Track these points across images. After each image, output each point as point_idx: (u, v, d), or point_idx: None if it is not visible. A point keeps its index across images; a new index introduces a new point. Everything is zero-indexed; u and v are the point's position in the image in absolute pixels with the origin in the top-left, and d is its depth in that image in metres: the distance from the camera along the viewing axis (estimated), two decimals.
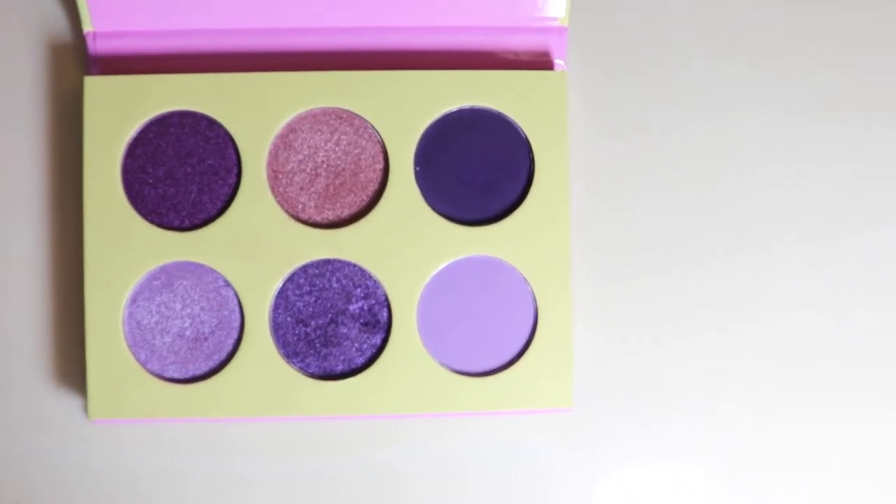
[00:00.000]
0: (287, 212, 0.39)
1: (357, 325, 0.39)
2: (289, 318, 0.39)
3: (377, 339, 0.39)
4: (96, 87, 0.38)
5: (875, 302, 0.41)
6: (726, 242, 0.41)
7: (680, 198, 0.41)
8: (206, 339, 0.39)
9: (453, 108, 0.40)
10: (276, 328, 0.39)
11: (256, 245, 0.39)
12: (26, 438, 0.40)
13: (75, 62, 0.40)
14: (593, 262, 0.41)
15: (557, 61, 0.40)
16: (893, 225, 0.41)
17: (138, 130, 0.39)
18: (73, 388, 0.40)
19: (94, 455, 0.40)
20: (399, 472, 0.40)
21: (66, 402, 0.40)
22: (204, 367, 0.39)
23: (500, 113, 0.40)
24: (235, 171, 0.39)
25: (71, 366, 0.40)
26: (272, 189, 0.39)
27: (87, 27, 0.39)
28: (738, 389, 0.41)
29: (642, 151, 0.41)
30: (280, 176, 0.39)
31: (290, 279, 0.39)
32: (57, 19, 0.40)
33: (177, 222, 0.39)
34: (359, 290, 0.39)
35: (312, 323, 0.39)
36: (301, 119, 0.39)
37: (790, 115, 0.41)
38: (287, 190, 0.39)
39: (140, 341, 0.39)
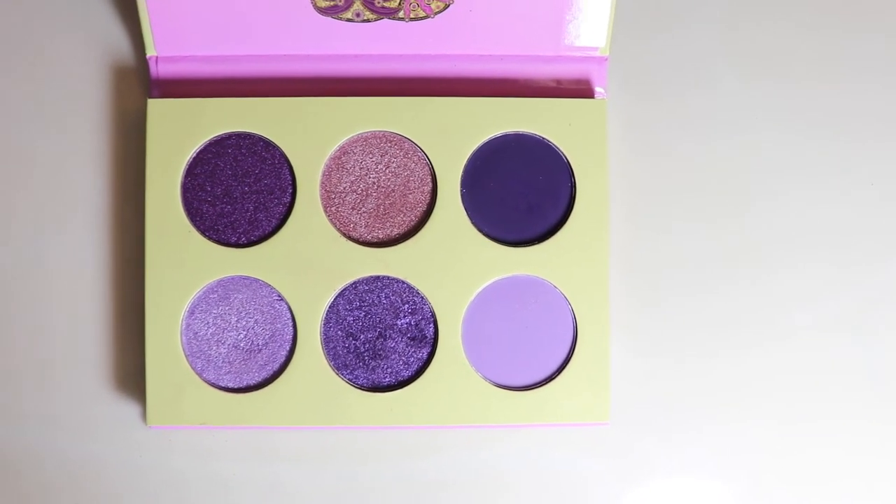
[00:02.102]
0: (339, 230, 0.41)
1: (404, 339, 0.40)
2: (339, 332, 0.40)
3: (423, 353, 0.40)
4: (159, 109, 0.40)
5: None
6: (759, 263, 0.42)
7: (714, 219, 0.42)
8: (259, 350, 0.40)
9: (498, 133, 0.41)
10: (327, 341, 0.40)
11: (309, 261, 0.40)
12: (86, 443, 0.41)
13: (138, 84, 0.42)
14: (630, 283, 0.42)
15: (598, 89, 0.41)
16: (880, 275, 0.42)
17: (198, 151, 0.41)
18: (132, 396, 0.41)
19: (149, 460, 0.41)
20: (442, 482, 0.41)
21: (125, 409, 0.41)
22: (257, 378, 0.40)
23: (542, 138, 0.41)
24: (290, 190, 0.41)
25: (130, 374, 0.41)
26: (325, 208, 0.40)
27: (150, 52, 0.41)
28: (769, 407, 0.42)
29: (679, 176, 0.42)
30: (333, 196, 0.41)
31: (341, 294, 0.40)
32: (121, 44, 0.42)
33: (233, 239, 0.40)
34: (406, 306, 0.40)
35: (362, 337, 0.40)
36: (353, 142, 0.41)
37: (821, 138, 0.42)
38: (339, 209, 0.41)
39: (197, 351, 0.40)
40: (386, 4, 0.39)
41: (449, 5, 0.39)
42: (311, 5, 0.39)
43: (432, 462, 0.41)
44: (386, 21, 0.39)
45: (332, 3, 0.39)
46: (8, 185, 0.41)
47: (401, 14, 0.40)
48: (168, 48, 0.40)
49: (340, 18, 0.40)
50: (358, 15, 0.39)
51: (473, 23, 0.40)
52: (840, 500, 0.42)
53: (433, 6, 0.39)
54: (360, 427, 0.40)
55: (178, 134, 0.40)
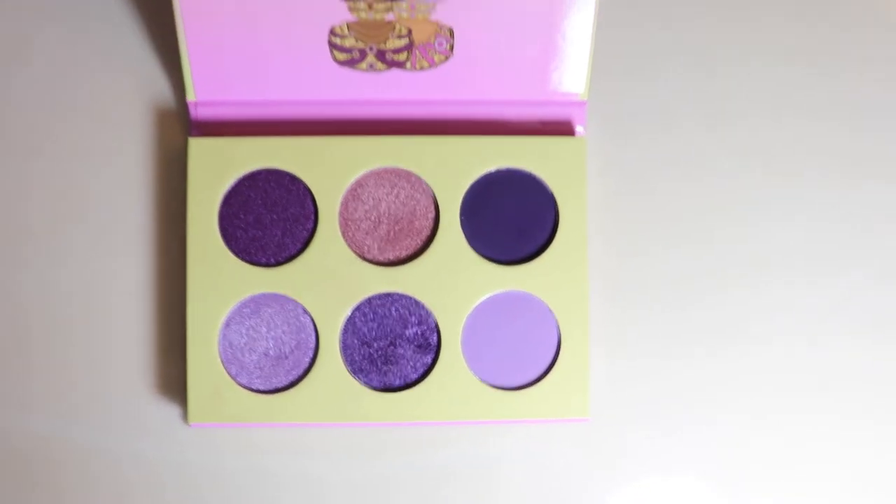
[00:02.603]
0: (355, 252, 0.44)
1: (412, 346, 0.44)
2: (355, 340, 0.43)
3: (428, 359, 0.44)
4: (199, 148, 0.43)
5: (854, 329, 0.45)
6: (723, 279, 0.45)
7: (681, 245, 0.45)
8: (286, 357, 0.43)
9: (492, 168, 0.44)
10: (345, 349, 0.43)
11: (330, 280, 0.43)
12: (131, 441, 0.44)
13: (179, 125, 0.45)
14: (607, 297, 0.45)
15: (578, 128, 0.45)
16: (858, 269, 0.45)
17: (233, 184, 0.43)
18: (173, 398, 0.44)
19: (189, 455, 0.44)
20: (446, 470, 0.44)
21: (167, 409, 0.44)
22: (285, 381, 0.43)
23: (530, 172, 0.44)
24: (313, 218, 0.44)
25: (171, 379, 0.44)
26: (343, 234, 0.44)
27: (191, 97, 0.44)
28: (735, 405, 0.45)
29: (649, 205, 0.45)
30: (349, 223, 0.44)
31: (357, 308, 0.43)
32: (165, 90, 0.45)
33: (263, 260, 0.43)
34: (413, 317, 0.44)
35: (375, 345, 0.43)
36: (367, 176, 0.44)
37: (775, 175, 0.45)
38: (355, 235, 0.44)
39: (232, 358, 0.43)
40: (395, 57, 0.43)
41: (449, 58, 0.43)
42: (330, 58, 0.43)
43: (438, 453, 0.44)
44: (395, 71, 0.43)
45: (349, 57, 0.43)
46: (65, 213, 0.44)
47: (408, 65, 0.43)
48: (206, 94, 0.44)
49: (356, 69, 0.43)
50: (371, 66, 0.43)
51: (470, 72, 0.44)
52: (809, 492, 0.45)
53: (435, 59, 0.43)
54: (374, 423, 0.43)
55: (215, 169, 0.43)
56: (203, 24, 0.42)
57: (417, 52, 0.43)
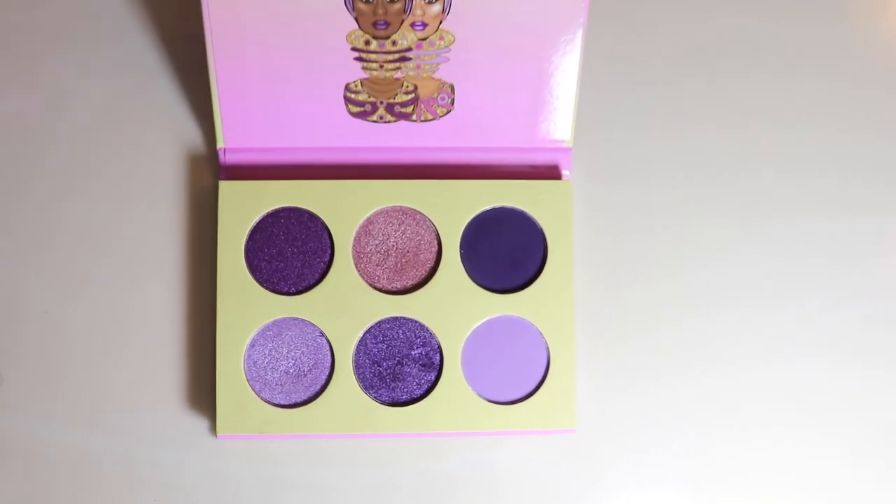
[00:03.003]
0: (366, 282, 0.46)
1: (417, 365, 0.46)
2: (367, 360, 0.46)
3: (432, 376, 0.46)
4: (228, 190, 0.46)
5: (821, 350, 0.48)
6: (693, 307, 0.48)
7: (656, 274, 0.48)
8: (305, 375, 0.46)
9: (488, 207, 0.47)
10: (357, 367, 0.46)
11: (344, 306, 0.46)
12: (163, 450, 0.46)
13: (209, 169, 0.48)
14: (591, 321, 0.48)
15: (564, 172, 0.48)
16: (817, 297, 0.49)
17: (257, 221, 0.47)
18: (201, 412, 0.47)
19: (216, 464, 0.46)
20: (449, 477, 0.47)
21: (197, 422, 0.47)
22: (304, 396, 0.46)
23: (522, 211, 0.47)
24: (329, 251, 0.47)
25: (202, 395, 0.47)
26: (356, 265, 0.47)
27: (220, 144, 0.47)
28: (709, 422, 0.47)
29: (628, 240, 0.49)
30: (362, 256, 0.47)
31: (368, 331, 0.46)
32: (196, 138, 0.49)
33: (285, 289, 0.46)
34: (418, 339, 0.46)
35: (384, 364, 0.46)
36: (377, 214, 0.47)
37: (743, 217, 0.49)
38: (367, 266, 0.47)
39: (256, 376, 0.46)
40: (402, 110, 0.47)
41: (450, 111, 0.47)
42: (345, 111, 0.47)
43: (441, 461, 0.46)
44: (402, 122, 0.47)
45: (361, 109, 0.47)
46: (108, 246, 0.47)
47: (414, 117, 0.47)
48: (234, 141, 0.47)
49: (368, 120, 0.47)
50: (381, 118, 0.47)
51: (469, 123, 0.47)
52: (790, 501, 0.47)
53: (438, 111, 0.47)
54: (384, 434, 0.46)
55: (242, 208, 0.46)
56: (233, 80, 0.46)
57: (422, 105, 0.47)
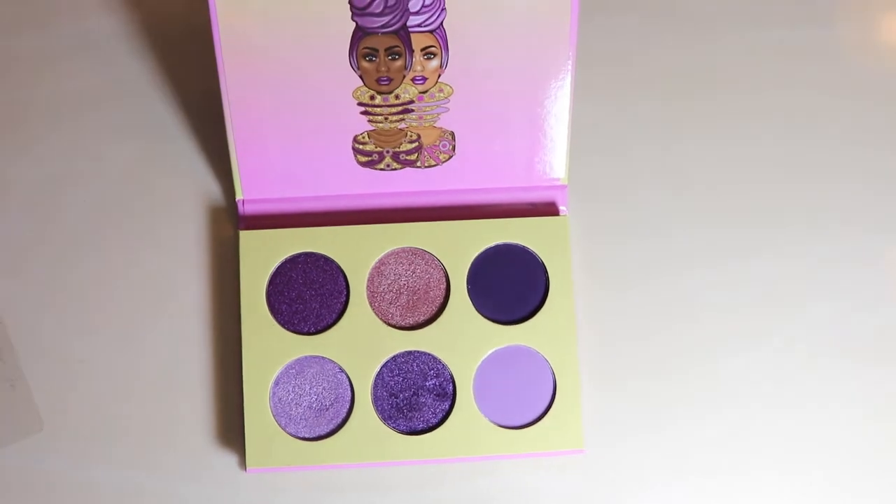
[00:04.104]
0: (381, 319, 0.48)
1: (431, 396, 0.48)
2: (384, 392, 0.48)
3: (446, 405, 0.48)
4: (248, 239, 0.48)
5: (829, 353, 0.49)
6: (689, 328, 0.50)
7: (654, 300, 0.50)
8: (327, 409, 0.48)
9: (491, 244, 0.49)
10: (376, 400, 0.48)
11: (361, 343, 0.48)
12: (196, 485, 0.48)
13: (229, 220, 0.50)
14: (594, 347, 0.49)
15: (561, 208, 0.50)
16: (819, 310, 0.50)
17: (277, 266, 0.48)
18: (231, 448, 0.48)
19: (246, 497, 0.48)
20: (466, 500, 0.48)
21: (226, 457, 0.48)
22: (326, 429, 0.47)
23: (523, 246, 0.49)
24: (345, 292, 0.48)
25: (230, 432, 0.48)
26: (370, 304, 0.48)
27: (239, 196, 0.49)
28: (707, 433, 0.48)
29: (624, 267, 0.50)
30: (375, 295, 0.49)
31: (384, 365, 0.48)
32: (216, 192, 0.51)
33: (305, 329, 0.48)
34: (432, 371, 0.48)
35: (401, 395, 0.48)
36: (389, 255, 0.49)
37: (724, 228, 0.50)
38: (380, 304, 0.49)
39: (281, 412, 0.47)
40: (407, 158, 0.49)
41: (452, 156, 0.49)
42: (354, 161, 0.49)
43: (458, 485, 0.48)
44: (408, 169, 0.50)
45: (369, 159, 0.49)
46: (138, 293, 0.49)
47: (418, 164, 0.49)
48: (252, 193, 0.49)
49: (376, 169, 0.49)
50: (388, 166, 0.49)
51: (470, 166, 0.49)
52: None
53: (441, 157, 0.49)
54: (403, 462, 0.47)
55: (262, 255, 0.48)
56: (249, 135, 0.48)
57: (426, 152, 0.49)
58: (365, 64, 0.47)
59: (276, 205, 0.50)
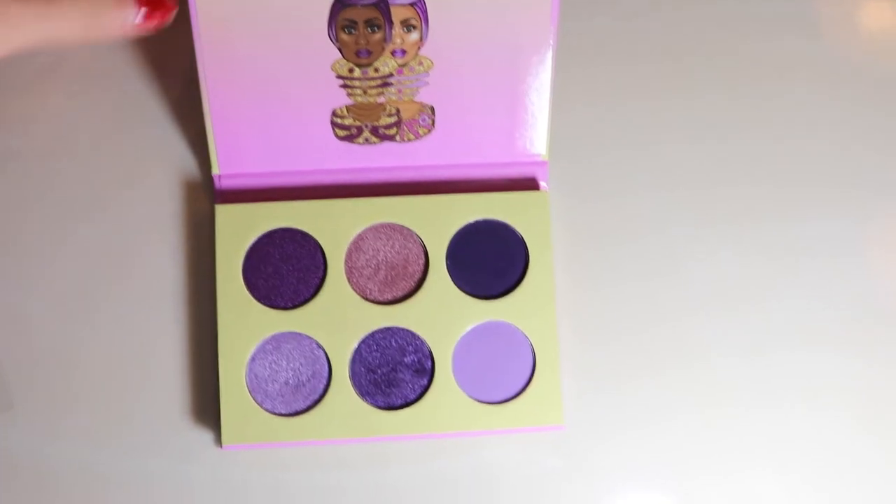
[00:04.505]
0: (359, 295, 0.48)
1: (410, 371, 0.48)
2: (362, 368, 0.47)
3: (424, 381, 0.47)
4: (224, 213, 0.48)
5: (791, 344, 0.49)
6: (668, 306, 0.50)
7: (633, 276, 0.50)
8: (304, 385, 0.47)
9: (471, 219, 0.48)
10: (353, 375, 0.47)
11: (338, 319, 0.47)
12: (171, 463, 0.48)
13: (205, 194, 0.50)
14: (573, 323, 0.49)
15: (542, 184, 0.50)
16: (792, 294, 0.50)
17: (254, 241, 0.48)
18: (207, 425, 0.48)
19: (222, 474, 0.47)
20: (444, 475, 0.48)
21: (202, 435, 0.48)
22: (303, 405, 0.47)
23: (503, 221, 0.49)
24: (322, 268, 0.48)
25: (205, 409, 0.48)
26: (348, 279, 0.48)
27: (215, 171, 0.49)
28: (685, 417, 0.49)
29: (603, 244, 0.50)
30: (353, 270, 0.48)
31: (362, 341, 0.47)
32: (193, 167, 0.50)
33: (282, 304, 0.48)
34: (410, 347, 0.48)
35: (379, 371, 0.47)
36: (367, 230, 0.48)
37: (708, 222, 0.50)
38: (358, 280, 0.48)
39: (257, 388, 0.47)
40: (386, 132, 0.49)
41: (431, 131, 0.49)
42: (333, 135, 0.49)
43: (436, 461, 0.48)
44: (386, 143, 0.49)
45: (347, 133, 0.49)
46: (113, 268, 0.49)
47: (397, 138, 0.49)
48: (228, 168, 0.49)
49: (354, 143, 0.49)
50: (367, 140, 0.49)
51: (449, 141, 0.49)
52: (770, 490, 0.48)
53: (420, 132, 0.49)
54: (381, 438, 0.47)
55: (239, 230, 0.48)
56: (225, 109, 0.48)
57: (405, 127, 0.49)
58: (344, 36, 0.47)
59: (252, 179, 0.50)
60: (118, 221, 0.50)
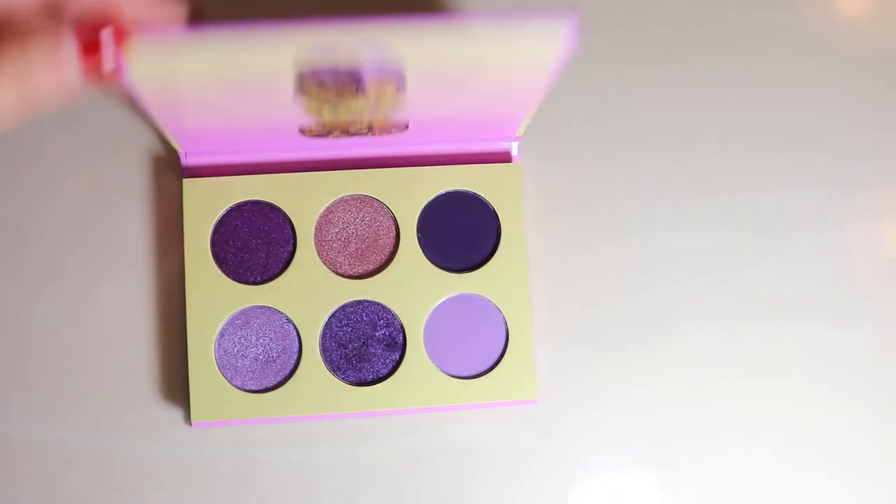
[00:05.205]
0: (329, 268, 0.48)
1: (381, 346, 0.48)
2: (333, 343, 0.48)
3: (396, 356, 0.48)
4: (192, 186, 0.47)
5: (761, 315, 0.49)
6: (640, 278, 0.50)
7: (604, 248, 0.50)
8: (274, 360, 0.48)
9: (443, 191, 0.48)
10: (324, 350, 0.47)
11: (308, 293, 0.47)
12: (139, 441, 0.47)
13: (173, 169, 0.50)
14: (546, 296, 0.50)
15: (514, 155, 0.49)
16: (758, 267, 0.51)
17: (222, 215, 0.48)
18: (175, 402, 0.48)
19: (192, 452, 0.47)
20: (417, 450, 0.48)
21: (170, 412, 0.48)
22: (273, 381, 0.47)
23: (475, 193, 0.48)
24: (292, 241, 0.48)
25: (174, 386, 0.48)
26: (318, 253, 0.48)
27: (179, 150, 0.48)
28: (662, 386, 0.49)
29: (575, 217, 0.50)
30: (323, 243, 0.48)
31: (333, 315, 0.47)
32: (158, 145, 0.50)
33: (251, 279, 0.48)
34: (382, 321, 0.48)
35: (350, 346, 0.48)
36: (337, 203, 0.48)
37: (681, 190, 0.51)
38: (328, 253, 0.48)
39: (227, 364, 0.47)
40: (358, 132, 0.46)
41: (404, 131, 0.46)
42: (299, 134, 0.45)
43: (408, 436, 0.48)
44: (357, 138, 0.46)
45: (315, 135, 0.46)
46: (80, 243, 0.48)
47: (369, 136, 0.46)
48: (190, 147, 0.47)
49: (323, 139, 0.46)
50: (336, 138, 0.46)
51: (424, 137, 0.47)
52: (744, 462, 0.49)
53: (393, 132, 0.46)
54: (352, 414, 0.47)
55: (206, 203, 0.47)
56: (182, 121, 0.44)
57: (377, 131, 0.47)
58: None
59: (217, 156, 0.49)
60: (83, 196, 0.50)
